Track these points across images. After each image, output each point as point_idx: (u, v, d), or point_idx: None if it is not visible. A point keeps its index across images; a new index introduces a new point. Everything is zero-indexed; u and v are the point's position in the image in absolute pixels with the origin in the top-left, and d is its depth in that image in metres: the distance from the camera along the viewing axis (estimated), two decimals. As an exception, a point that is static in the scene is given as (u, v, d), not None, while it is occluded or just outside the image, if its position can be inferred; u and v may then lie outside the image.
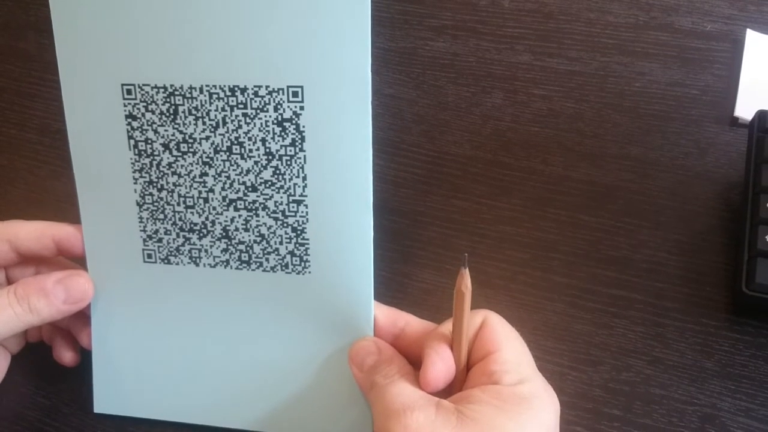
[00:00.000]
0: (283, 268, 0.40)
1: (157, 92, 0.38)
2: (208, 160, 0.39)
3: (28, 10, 0.70)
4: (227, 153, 0.38)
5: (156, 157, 0.39)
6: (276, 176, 0.38)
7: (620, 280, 0.48)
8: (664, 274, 0.48)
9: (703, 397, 0.43)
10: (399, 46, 0.64)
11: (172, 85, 0.38)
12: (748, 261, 0.45)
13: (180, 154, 0.39)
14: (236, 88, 0.37)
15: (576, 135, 0.56)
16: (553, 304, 0.47)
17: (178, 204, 0.40)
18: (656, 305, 0.46)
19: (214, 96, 0.38)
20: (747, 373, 0.43)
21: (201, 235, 0.40)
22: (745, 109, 0.56)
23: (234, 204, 0.39)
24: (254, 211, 0.39)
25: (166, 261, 0.41)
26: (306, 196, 0.38)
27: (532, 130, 0.57)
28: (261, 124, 0.38)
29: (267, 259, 0.40)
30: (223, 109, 0.38)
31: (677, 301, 0.47)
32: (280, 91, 0.37)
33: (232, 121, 0.38)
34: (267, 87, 0.37)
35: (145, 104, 0.38)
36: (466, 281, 0.35)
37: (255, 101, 0.37)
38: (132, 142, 0.39)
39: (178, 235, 0.40)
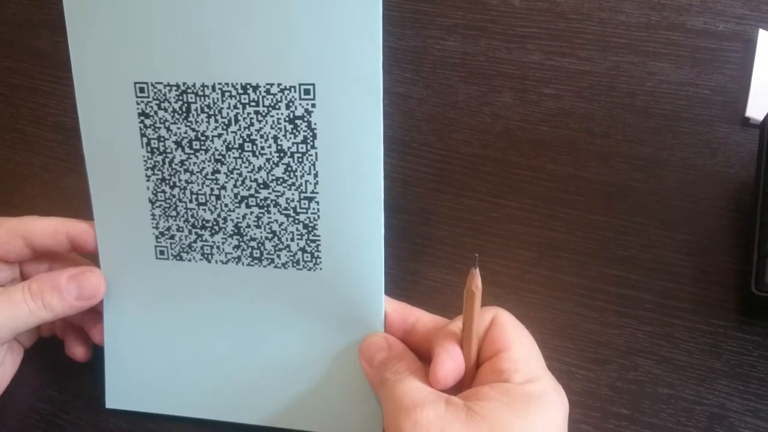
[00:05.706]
0: (295, 264, 0.40)
1: (170, 90, 0.38)
2: (220, 157, 0.39)
3: (43, 8, 0.71)
4: (239, 150, 0.39)
5: (168, 155, 0.39)
6: (288, 173, 0.38)
7: (629, 280, 0.48)
8: (673, 274, 0.48)
9: (711, 397, 0.43)
10: (410, 45, 0.64)
11: (184, 83, 0.38)
12: (758, 261, 0.45)
13: (192, 151, 0.39)
14: (248, 86, 0.38)
15: (586, 134, 0.56)
16: (562, 303, 0.47)
17: (191, 201, 0.40)
18: (665, 305, 0.46)
19: (227, 94, 0.38)
20: (755, 374, 0.43)
21: (213, 231, 0.40)
22: (756, 109, 0.56)
23: (246, 201, 0.39)
24: (266, 208, 0.39)
25: (178, 258, 0.41)
26: (317, 192, 0.38)
27: (542, 129, 0.57)
28: (273, 121, 0.38)
29: (278, 256, 0.40)
30: (235, 107, 0.38)
31: (686, 301, 0.47)
32: (292, 89, 0.37)
33: (244, 118, 0.38)
34: (279, 85, 0.37)
35: (157, 102, 0.39)
36: (476, 281, 0.35)
37: (267, 99, 0.38)
38: (145, 139, 0.39)
39: (190, 232, 0.41)
